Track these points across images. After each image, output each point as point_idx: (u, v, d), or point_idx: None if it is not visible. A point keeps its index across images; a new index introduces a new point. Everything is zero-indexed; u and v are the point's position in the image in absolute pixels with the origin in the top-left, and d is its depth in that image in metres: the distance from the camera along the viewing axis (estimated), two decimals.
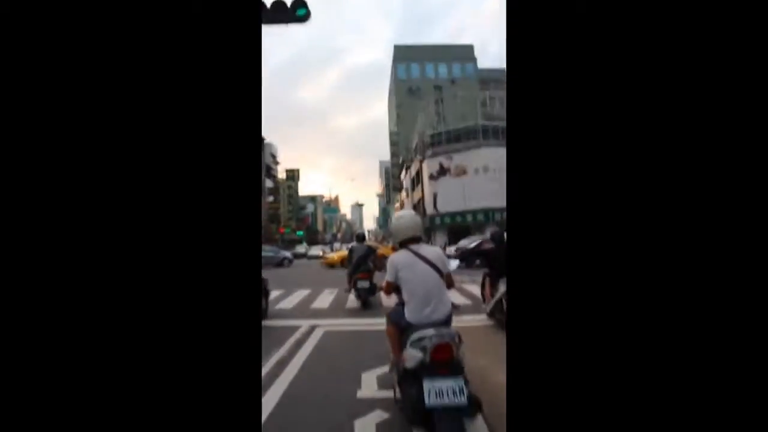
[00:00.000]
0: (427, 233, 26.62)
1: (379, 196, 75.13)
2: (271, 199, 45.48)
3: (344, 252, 16.88)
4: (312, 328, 5.04)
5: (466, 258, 12.07)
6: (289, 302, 7.37)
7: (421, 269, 2.27)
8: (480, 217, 25.70)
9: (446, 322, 2.23)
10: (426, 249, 2.37)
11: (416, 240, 2.41)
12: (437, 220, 27.67)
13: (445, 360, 1.99)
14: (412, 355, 2.05)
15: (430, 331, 2.07)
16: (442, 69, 47.65)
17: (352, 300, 7.03)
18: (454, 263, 2.58)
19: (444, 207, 27.45)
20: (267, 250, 19.31)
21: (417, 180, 32.84)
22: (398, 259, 2.34)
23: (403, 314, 2.29)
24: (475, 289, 7.04)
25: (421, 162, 30.54)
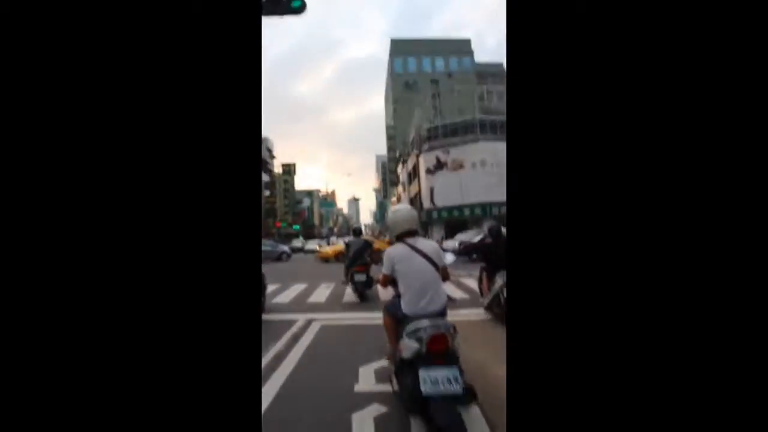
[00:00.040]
0: (424, 227, 26.68)
1: (376, 190, 75.10)
2: (267, 193, 45.38)
3: (339, 246, 16.96)
4: (309, 322, 5.04)
5: (469, 252, 12.06)
6: (286, 296, 7.37)
7: (417, 262, 2.33)
8: (477, 211, 25.76)
9: (442, 313, 2.30)
10: (422, 242, 2.44)
11: (412, 233, 2.48)
12: (434, 215, 27.69)
13: (440, 350, 2.05)
14: (409, 346, 2.10)
15: (426, 322, 2.13)
16: (439, 63, 47.43)
17: (348, 294, 7.05)
18: (449, 256, 2.68)
19: (441, 201, 27.47)
20: (266, 245, 19.35)
21: (414, 174, 32.82)
22: (395, 252, 2.41)
23: (400, 306, 2.36)
24: (473, 284, 7.06)
25: (417, 156, 30.49)
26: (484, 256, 5.37)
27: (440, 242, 17.67)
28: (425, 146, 29.20)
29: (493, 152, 25.21)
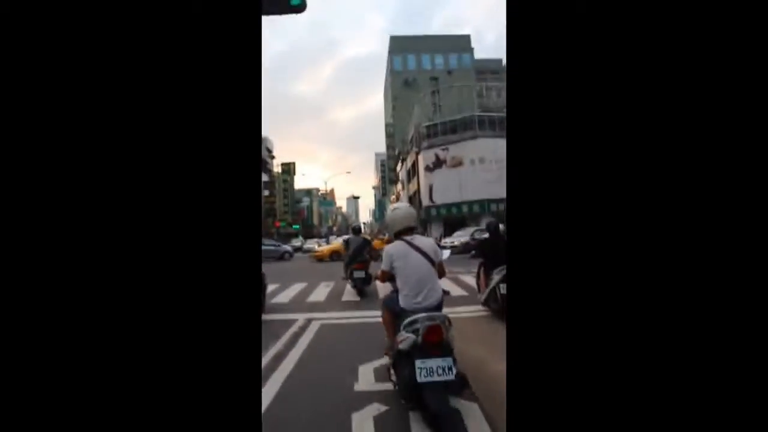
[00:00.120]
0: (423, 225, 26.68)
1: (375, 188, 74.96)
2: (266, 193, 45.28)
3: (335, 245, 17.04)
4: (308, 322, 5.04)
5: (468, 250, 12.20)
6: (286, 296, 7.37)
7: (414, 259, 2.43)
8: (475, 208, 25.76)
9: (437, 307, 2.42)
10: (420, 240, 2.54)
11: (411, 231, 2.58)
12: (433, 212, 27.69)
13: (436, 341, 2.17)
14: (406, 338, 2.21)
15: (422, 316, 2.25)
16: (439, 60, 47.14)
17: (348, 293, 7.08)
18: (446, 253, 2.83)
19: (440, 198, 27.46)
20: (269, 244, 19.37)
21: (413, 172, 32.78)
22: (393, 249, 2.51)
23: (398, 301, 2.46)
24: (471, 281, 7.08)
25: (417, 154, 30.45)
26: (482, 252, 5.39)
27: (438, 240, 17.68)
28: (424, 144, 29.15)
29: (492, 149, 25.19)
